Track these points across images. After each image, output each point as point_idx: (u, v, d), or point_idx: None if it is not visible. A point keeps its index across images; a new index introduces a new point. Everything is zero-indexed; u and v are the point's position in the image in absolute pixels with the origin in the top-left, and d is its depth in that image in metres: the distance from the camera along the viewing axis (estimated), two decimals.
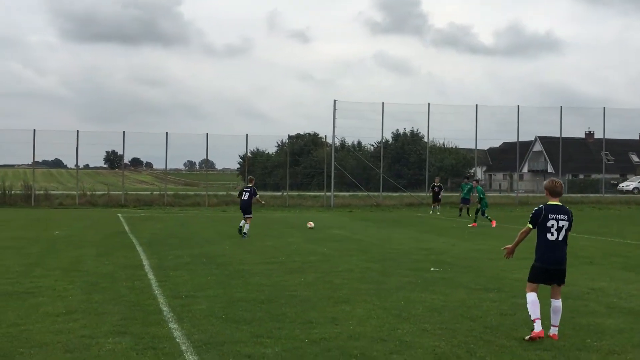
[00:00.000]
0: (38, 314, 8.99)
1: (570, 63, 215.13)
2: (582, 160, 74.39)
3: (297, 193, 47.64)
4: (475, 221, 26.84)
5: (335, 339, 7.75)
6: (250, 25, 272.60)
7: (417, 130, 68.40)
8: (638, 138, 72.05)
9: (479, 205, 27.82)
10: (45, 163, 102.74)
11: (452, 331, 8.15)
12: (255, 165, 67.47)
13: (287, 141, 57.23)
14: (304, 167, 63.04)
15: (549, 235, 7.87)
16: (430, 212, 35.15)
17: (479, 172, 76.63)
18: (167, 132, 42.26)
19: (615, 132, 71.23)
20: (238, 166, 74.15)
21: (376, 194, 45.21)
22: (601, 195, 49.90)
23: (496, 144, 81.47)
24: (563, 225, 7.88)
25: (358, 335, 7.90)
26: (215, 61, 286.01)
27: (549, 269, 7.89)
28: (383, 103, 44.54)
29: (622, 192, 59.72)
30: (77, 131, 41.01)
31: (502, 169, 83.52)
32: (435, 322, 8.67)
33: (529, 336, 7.67)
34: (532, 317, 7.73)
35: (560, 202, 8.06)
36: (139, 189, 56.16)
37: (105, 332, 7.99)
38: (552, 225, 7.86)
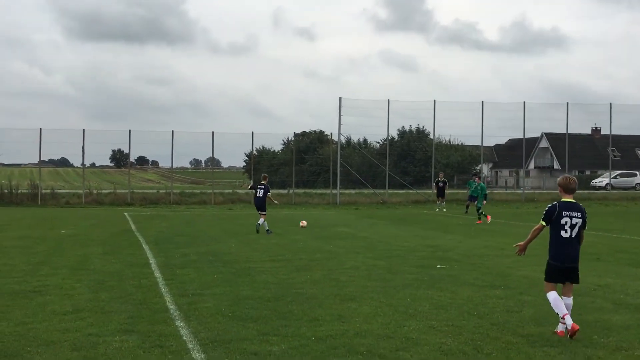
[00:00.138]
0: (45, 313, 9.02)
1: (576, 59, 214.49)
2: (588, 157, 74.17)
3: (303, 191, 47.67)
4: (480, 218, 26.77)
5: (342, 336, 7.75)
6: (255, 22, 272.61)
7: (423, 127, 68.39)
8: None
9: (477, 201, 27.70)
10: (51, 162, 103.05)
11: (459, 328, 8.14)
12: (261, 164, 67.49)
13: (292, 139, 57.31)
14: (310, 165, 63.08)
15: (562, 233, 7.81)
16: (437, 210, 35.12)
17: (485, 168, 76.51)
18: (172, 131, 42.37)
19: (621, 128, 71.17)
20: (244, 164, 74.22)
21: (382, 191, 45.16)
22: (608, 191, 49.74)
23: (502, 140, 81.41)
24: (577, 223, 7.83)
25: (364, 333, 7.91)
26: (220, 59, 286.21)
27: (564, 267, 7.82)
28: (389, 100, 44.51)
29: (595, 188, 59.24)
30: (83, 130, 41.16)
31: (508, 165, 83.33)
32: (441, 319, 8.66)
33: (569, 334, 7.57)
34: (560, 315, 7.65)
35: (573, 199, 8.00)
36: (145, 188, 56.30)
37: (112, 330, 8.02)
38: (566, 222, 7.80)
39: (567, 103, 47.02)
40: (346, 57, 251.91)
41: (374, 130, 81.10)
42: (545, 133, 77.02)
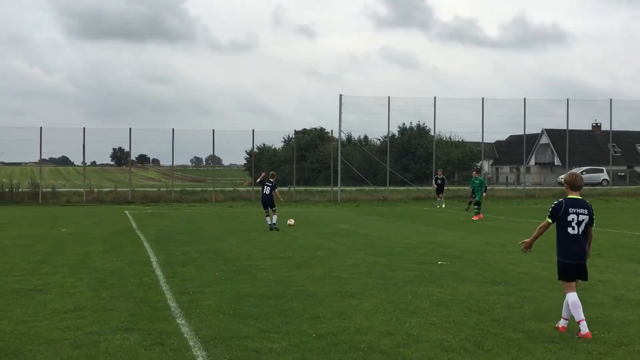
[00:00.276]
0: (46, 311, 9.03)
1: (576, 55, 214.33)
2: (589, 153, 74.03)
3: (304, 188, 47.67)
4: (478, 213, 26.69)
5: (343, 333, 7.76)
6: (255, 20, 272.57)
7: (424, 124, 68.35)
8: None
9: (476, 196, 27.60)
10: (52, 160, 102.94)
11: (460, 324, 8.14)
12: (262, 161, 67.45)
13: (293, 136, 57.29)
14: (310, 162, 63.00)
15: (569, 230, 7.76)
16: (438, 206, 35.11)
17: (486, 165, 76.47)
18: (173, 129, 42.39)
19: (622, 124, 71.01)
20: (245, 162, 74.21)
21: (383, 188, 45.17)
22: (608, 187, 49.72)
23: (503, 137, 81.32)
24: (583, 220, 7.77)
25: (365, 330, 7.91)
26: (221, 57, 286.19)
27: (574, 264, 7.77)
28: (389, 97, 44.50)
29: (560, 184, 59.20)
30: (84, 128, 41.19)
31: (509, 162, 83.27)
32: (442, 315, 8.66)
33: (577, 335, 7.56)
34: (577, 319, 7.58)
35: (580, 195, 7.96)
36: (146, 186, 56.34)
37: (113, 328, 8.02)
38: (573, 219, 7.75)
39: (568, 99, 47.06)
40: (346, 55, 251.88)
41: (375, 128, 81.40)
42: (545, 129, 76.97)
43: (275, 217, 21.50)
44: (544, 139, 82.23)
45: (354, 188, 47.03)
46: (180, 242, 17.72)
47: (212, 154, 47.84)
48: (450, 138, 71.34)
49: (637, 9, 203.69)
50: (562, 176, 63.18)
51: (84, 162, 44.30)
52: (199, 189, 48.21)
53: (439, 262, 13.54)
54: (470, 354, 6.87)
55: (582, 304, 7.68)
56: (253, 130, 44.45)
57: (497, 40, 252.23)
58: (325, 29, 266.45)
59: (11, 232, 21.00)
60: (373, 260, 14.08)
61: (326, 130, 68.52)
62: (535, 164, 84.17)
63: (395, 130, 67.75)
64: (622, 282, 11.14)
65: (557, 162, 78.43)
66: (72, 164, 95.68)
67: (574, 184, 7.94)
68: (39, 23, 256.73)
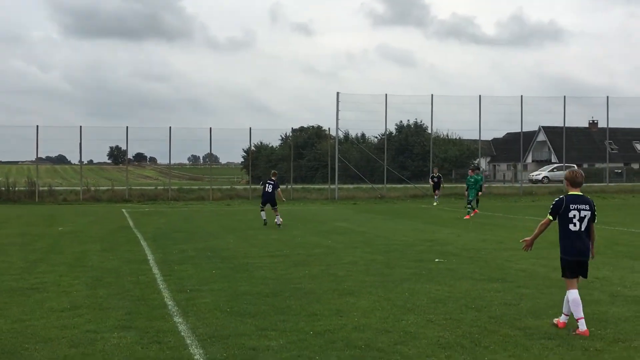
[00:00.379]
0: (43, 310, 9.02)
1: (573, 52, 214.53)
2: (585, 150, 74.26)
3: (301, 186, 47.67)
4: (474, 208, 26.65)
5: (340, 330, 7.76)
6: (253, 18, 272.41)
7: (421, 121, 68.38)
8: None
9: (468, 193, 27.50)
10: (48, 159, 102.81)
11: (457, 322, 8.15)
12: (260, 159, 67.48)
13: (290, 134, 57.26)
14: (308, 160, 63.02)
15: (571, 226, 7.74)
16: (435, 204, 35.13)
17: (483, 162, 76.52)
18: (170, 127, 42.37)
19: (618, 121, 71.29)
20: (242, 160, 74.23)
21: (380, 186, 45.19)
22: (605, 184, 49.78)
23: (500, 134, 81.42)
24: (585, 216, 7.75)
25: (363, 327, 7.91)
26: (218, 55, 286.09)
27: (577, 261, 7.76)
28: (386, 95, 44.49)
29: (532, 181, 59.09)
30: (80, 127, 41.12)
31: (506, 159, 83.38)
32: (439, 312, 8.67)
33: (574, 332, 7.57)
34: (576, 317, 7.59)
35: (581, 192, 7.93)
36: (143, 184, 56.25)
37: (110, 326, 8.02)
38: (574, 215, 7.74)
39: (564, 96, 47.03)
40: (344, 53, 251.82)
41: (372, 125, 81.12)
42: (542, 126, 77.11)
43: (279, 217, 21.69)
44: (541, 136, 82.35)
45: (351, 186, 47.04)
46: (177, 241, 17.71)
47: (209, 152, 47.89)
48: (447, 136, 71.43)
49: (634, 6, 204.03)
50: (533, 173, 63.22)
51: (80, 161, 44.23)
52: (196, 187, 48.17)
53: (436, 260, 13.55)
54: (468, 351, 6.88)
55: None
56: (250, 128, 44.53)
57: (494, 38, 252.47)
58: (322, 26, 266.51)
59: (8, 231, 20.96)
60: (370, 257, 14.09)
61: (323, 128, 68.50)
62: (533, 161, 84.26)
63: (392, 128, 67.78)
64: (619, 279, 11.16)
65: (554, 159, 78.54)
66: (69, 162, 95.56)
67: (574, 180, 7.93)
68: (36, 21, 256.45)
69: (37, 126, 40.28)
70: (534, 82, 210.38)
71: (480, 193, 30.69)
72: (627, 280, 11.00)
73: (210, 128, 43.15)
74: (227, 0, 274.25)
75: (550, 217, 7.89)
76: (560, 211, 7.80)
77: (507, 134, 77.64)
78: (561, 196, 7.92)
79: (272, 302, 9.37)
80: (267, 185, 22.11)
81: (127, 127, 41.81)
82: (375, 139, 65.88)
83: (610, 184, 50.17)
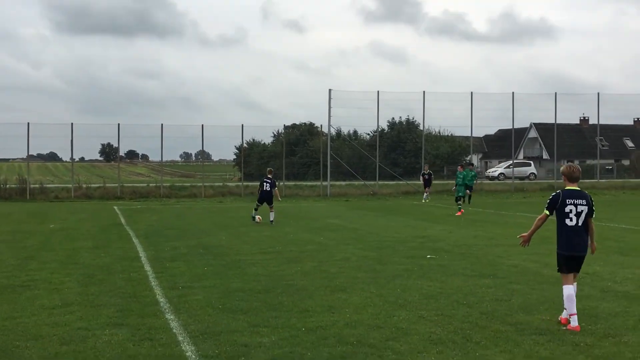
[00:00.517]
0: (34, 307, 8.99)
1: (564, 49, 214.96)
2: (577, 146, 74.47)
3: (293, 183, 47.62)
4: (461, 208, 26.53)
5: (332, 327, 7.77)
6: (244, 15, 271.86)
7: (413, 118, 68.42)
8: (632, 123, 72.14)
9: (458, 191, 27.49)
10: (40, 156, 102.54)
11: (448, 317, 8.18)
12: (252, 156, 67.32)
13: (283, 131, 57.23)
14: (300, 157, 62.95)
15: (567, 221, 7.74)
16: (424, 200, 35.16)
17: (475, 159, 76.68)
18: (162, 124, 42.20)
19: (609, 117, 71.51)
20: (234, 157, 74.04)
21: (372, 182, 45.21)
22: (596, 180, 49.97)
23: (492, 131, 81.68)
24: (582, 210, 7.73)
25: (354, 323, 7.93)
26: (210, 52, 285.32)
27: (572, 256, 7.76)
28: (378, 92, 44.45)
29: (489, 178, 59.10)
30: (72, 124, 40.90)
31: (497, 156, 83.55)
32: (431, 308, 8.69)
33: (565, 327, 7.60)
34: (569, 313, 7.62)
35: (578, 187, 7.91)
36: (135, 181, 56.10)
37: (101, 324, 8.00)
38: (571, 210, 7.73)
39: (555, 93, 47.11)
40: (336, 49, 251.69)
41: (364, 122, 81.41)
42: (534, 123, 77.27)
43: (272, 214, 21.73)
44: (533, 133, 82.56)
45: (343, 183, 47.05)
46: (169, 238, 17.68)
47: (201, 149, 47.78)
48: (439, 132, 71.50)
49: (624, 2, 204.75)
50: (489, 170, 63.22)
51: (72, 158, 44.01)
52: (188, 184, 48.06)
53: (428, 256, 13.58)
54: (459, 347, 6.90)
55: None
56: (242, 125, 44.39)
57: (485, 35, 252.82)
58: (314, 23, 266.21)
59: None
60: (362, 254, 14.11)
61: (315, 125, 68.42)
62: (524, 157, 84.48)
63: (384, 125, 67.82)
64: (609, 274, 11.22)
65: (545, 156, 78.78)
66: (60, 159, 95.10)
67: (571, 175, 7.92)
68: (27, 18, 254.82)
69: (28, 123, 40.09)
70: (525, 78, 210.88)
71: (468, 191, 30.79)
72: (618, 276, 11.06)
73: (202, 125, 43.04)
74: None
75: (547, 212, 7.88)
76: (556, 206, 7.79)
77: (499, 130, 77.86)
78: (558, 191, 7.92)
79: (264, 299, 9.37)
80: (264, 183, 22.19)
81: (118, 124, 41.66)
82: (368, 136, 65.88)
83: (601, 180, 50.38)
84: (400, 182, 46.74)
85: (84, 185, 42.39)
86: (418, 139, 57.74)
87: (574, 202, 7.76)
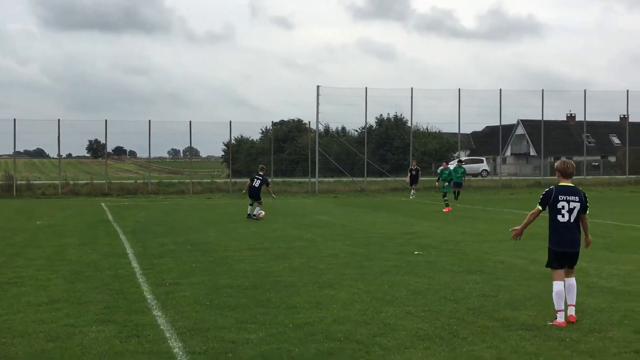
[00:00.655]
0: (20, 304, 8.94)
1: (551, 46, 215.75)
2: (563, 143, 74.79)
3: (281, 179, 47.60)
4: (448, 205, 26.51)
5: (320, 323, 7.78)
6: (232, 11, 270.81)
7: (401, 115, 68.41)
8: (618, 120, 72.56)
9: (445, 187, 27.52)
10: (27, 153, 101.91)
11: (436, 313, 8.21)
12: (240, 152, 67.22)
13: (271, 128, 57.13)
14: (288, 154, 62.91)
15: (559, 217, 7.75)
16: (411, 197, 35.21)
17: (463, 156, 76.89)
18: (149, 120, 42.05)
19: (596, 114, 71.65)
20: (222, 153, 73.86)
21: (360, 179, 45.27)
22: (582, 177, 50.27)
23: (479, 127, 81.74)
24: (574, 207, 7.74)
25: (342, 319, 7.94)
26: (198, 48, 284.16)
27: (563, 252, 7.78)
28: (366, 88, 44.50)
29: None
30: (59, 120, 40.69)
31: (485, 152, 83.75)
32: (418, 304, 8.72)
33: (551, 322, 7.64)
34: (556, 308, 7.64)
35: (572, 183, 7.92)
36: (122, 178, 55.89)
37: (88, 320, 7.97)
38: (563, 206, 7.73)
39: (543, 90, 47.36)
40: (324, 46, 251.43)
41: (352, 119, 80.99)
42: (521, 120, 77.59)
43: (257, 209, 21.94)
44: (520, 130, 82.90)
45: (331, 179, 47.07)
46: (157, 234, 17.63)
47: (189, 145, 47.62)
48: (427, 129, 71.57)
49: (611, 0, 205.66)
50: (441, 167, 62.84)
51: (59, 154, 43.81)
52: (176, 180, 47.92)
53: (416, 252, 13.62)
54: (446, 342, 6.93)
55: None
56: (230, 121, 44.28)
57: (473, 32, 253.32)
58: (302, 20, 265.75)
59: None
60: (350, 250, 14.13)
61: (304, 122, 68.35)
62: (511, 154, 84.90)
63: (372, 122, 67.81)
64: (595, 270, 11.29)
65: (532, 152, 79.19)
66: (47, 156, 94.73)
67: (565, 171, 7.93)
68: (13, 14, 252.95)
69: (15, 119, 39.83)
70: (512, 75, 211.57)
71: (457, 188, 30.85)
72: (603, 272, 11.14)
73: (190, 121, 42.93)
74: None
75: (540, 208, 7.90)
76: (549, 202, 7.82)
77: (486, 127, 77.97)
78: (551, 187, 7.94)
79: (252, 295, 9.37)
80: (254, 179, 22.42)
81: (106, 120, 41.47)
82: (356, 133, 65.88)
83: (587, 177, 50.69)
84: (388, 179, 46.81)
85: (71, 182, 42.18)
86: (406, 135, 57.82)
87: (566, 198, 7.77)
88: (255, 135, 72.14)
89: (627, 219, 20.27)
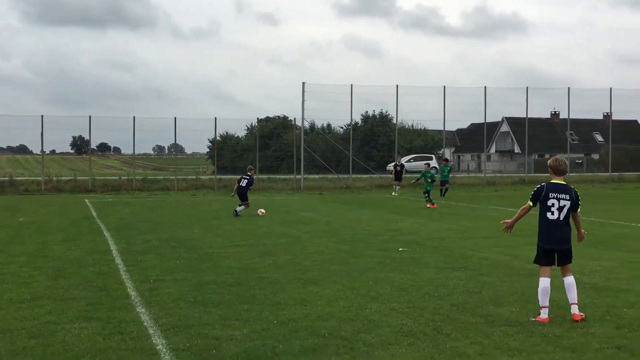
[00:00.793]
0: (2, 301, 8.86)
1: (536, 44, 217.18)
2: (547, 140, 75.34)
3: (267, 176, 47.54)
4: (431, 202, 26.51)
5: (304, 319, 7.78)
6: (217, 7, 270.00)
7: (386, 112, 68.55)
8: (602, 118, 73.16)
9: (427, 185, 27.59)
10: (9, 149, 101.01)
11: (420, 309, 8.23)
12: (225, 149, 67.09)
13: (256, 124, 57.02)
14: (273, 151, 62.84)
15: (549, 215, 7.77)
16: (394, 193, 35.26)
17: (448, 153, 77.19)
18: (134, 116, 41.87)
19: (579, 112, 72.37)
20: (208, 150, 73.65)
21: (346, 176, 45.31)
22: (566, 174, 50.59)
23: (464, 125, 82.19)
24: (565, 205, 7.75)
25: (327, 316, 7.94)
26: (183, 44, 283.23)
27: (552, 249, 7.80)
28: (352, 85, 44.55)
29: (390, 171, 59.09)
30: (42, 116, 40.40)
31: (470, 149, 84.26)
32: (403, 301, 8.74)
33: (534, 318, 7.69)
34: (540, 304, 7.69)
35: (564, 180, 7.94)
36: (106, 174, 55.55)
37: (71, 317, 7.92)
38: (553, 204, 7.75)
39: (527, 87, 47.62)
40: (310, 42, 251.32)
41: (338, 116, 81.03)
42: (506, 117, 78.01)
43: (241, 208, 22.09)
44: (504, 127, 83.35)
45: (317, 176, 47.08)
46: (141, 231, 17.55)
47: (174, 142, 47.46)
48: (412, 126, 71.79)
49: None
50: (391, 164, 63.02)
51: (42, 151, 43.48)
52: (161, 177, 47.72)
53: (401, 249, 13.65)
54: (430, 338, 6.95)
55: (537, 288, 7.82)
56: (215, 118, 44.22)
57: (458, 29, 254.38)
58: (288, 16, 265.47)
59: None
60: (335, 247, 14.14)
61: (289, 118, 68.27)
62: (496, 151, 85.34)
63: (358, 119, 67.89)
64: (578, 267, 11.32)
65: (517, 149, 79.64)
66: (30, 152, 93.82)
67: (557, 168, 7.95)
68: None
69: None
70: (497, 73, 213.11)
71: (441, 187, 31.08)
72: (586, 268, 11.22)
73: (175, 118, 42.82)
74: None
75: (531, 204, 7.93)
76: (539, 198, 7.84)
77: (471, 124, 78.39)
78: (543, 183, 7.97)
79: (237, 292, 9.35)
80: (242, 179, 22.62)
81: (90, 116, 41.27)
82: (341, 129, 65.94)
83: (571, 174, 51.02)
84: (374, 176, 46.89)
85: (55, 178, 41.88)
86: (391, 132, 57.93)
87: (556, 196, 7.78)
88: (241, 132, 72.03)
89: (609, 216, 20.43)
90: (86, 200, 31.36)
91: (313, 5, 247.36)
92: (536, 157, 72.39)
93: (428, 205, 25.59)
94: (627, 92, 52.74)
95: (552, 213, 7.78)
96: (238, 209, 22.06)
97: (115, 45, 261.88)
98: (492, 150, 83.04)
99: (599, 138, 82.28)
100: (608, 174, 50.33)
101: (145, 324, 7.61)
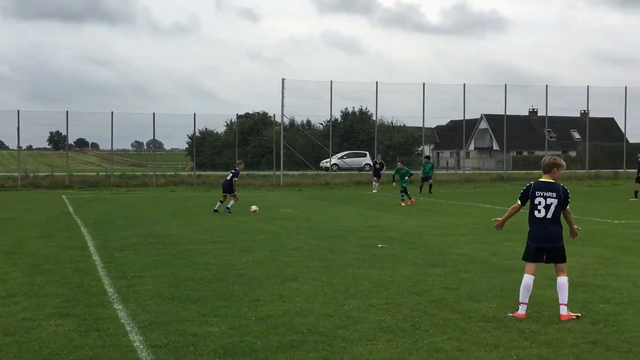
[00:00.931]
0: None
1: (514, 42, 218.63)
2: (526, 138, 75.97)
3: (246, 172, 47.30)
4: (409, 198, 26.50)
5: (283, 316, 7.77)
6: (197, 3, 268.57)
7: (366, 109, 68.64)
8: (579, 115, 73.84)
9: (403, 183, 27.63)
10: None
11: (398, 306, 8.26)
12: (204, 145, 66.67)
13: (236, 120, 56.85)
14: (253, 147, 62.64)
15: (536, 213, 7.82)
16: (374, 191, 35.31)
17: (427, 149, 77.50)
18: (112, 112, 41.57)
19: (557, 109, 72.94)
20: (187, 146, 73.18)
21: (325, 172, 45.32)
22: (335, 172, 50.47)
23: (443, 122, 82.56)
24: (551, 203, 7.79)
25: (305, 312, 7.94)
26: (162, 40, 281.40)
27: (539, 247, 7.84)
28: (331, 82, 44.56)
29: (324, 169, 59.05)
30: (18, 111, 39.95)
31: (449, 146, 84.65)
32: (381, 297, 8.76)
33: (512, 314, 7.74)
34: (520, 300, 7.75)
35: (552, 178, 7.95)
36: (84, 170, 55.07)
37: (47, 314, 7.84)
38: (540, 202, 7.80)
39: (505, 85, 48.01)
40: (289, 39, 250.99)
41: (318, 112, 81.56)
42: (484, 114, 78.47)
43: (231, 202, 22.02)
44: (483, 124, 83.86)
45: (296, 172, 47.05)
46: (119, 227, 17.42)
47: (152, 138, 47.14)
48: (392, 123, 71.94)
49: None
50: (324, 160, 62.78)
51: (19, 146, 43.02)
52: (140, 173, 47.41)
53: (379, 245, 13.68)
54: (408, 334, 6.97)
55: (515, 285, 7.88)
56: (195, 114, 44.06)
57: (438, 26, 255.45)
58: (268, 12, 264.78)
59: None
60: (315, 243, 14.13)
61: (269, 115, 68.14)
62: (475, 148, 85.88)
63: (337, 115, 68.01)
64: None
65: (495, 146, 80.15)
66: (6, 148, 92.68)
67: (543, 167, 8.05)
68: None
69: None
70: (476, 70, 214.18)
71: (422, 182, 31.42)
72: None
73: (154, 113, 42.55)
74: None
75: (519, 203, 8.00)
76: (527, 197, 7.90)
77: (451, 121, 78.77)
78: (531, 182, 8.06)
79: (215, 288, 9.31)
80: (230, 173, 22.83)
81: (67, 111, 40.92)
82: (321, 126, 65.93)
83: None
84: (353, 172, 46.96)
85: (32, 174, 41.42)
86: (371, 129, 57.98)
87: (543, 194, 7.84)
88: (220, 128, 71.57)
89: (586, 213, 20.63)
90: (63, 197, 31.06)
91: (293, 1, 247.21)
92: (514, 154, 72.95)
93: (403, 204, 25.36)
94: (604, 90, 53.55)
95: (539, 211, 7.84)
96: (229, 205, 21.87)
97: (93, 40, 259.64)
98: (471, 147, 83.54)
99: (577, 135, 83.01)
100: (585, 171, 50.87)
101: (122, 320, 7.56)
